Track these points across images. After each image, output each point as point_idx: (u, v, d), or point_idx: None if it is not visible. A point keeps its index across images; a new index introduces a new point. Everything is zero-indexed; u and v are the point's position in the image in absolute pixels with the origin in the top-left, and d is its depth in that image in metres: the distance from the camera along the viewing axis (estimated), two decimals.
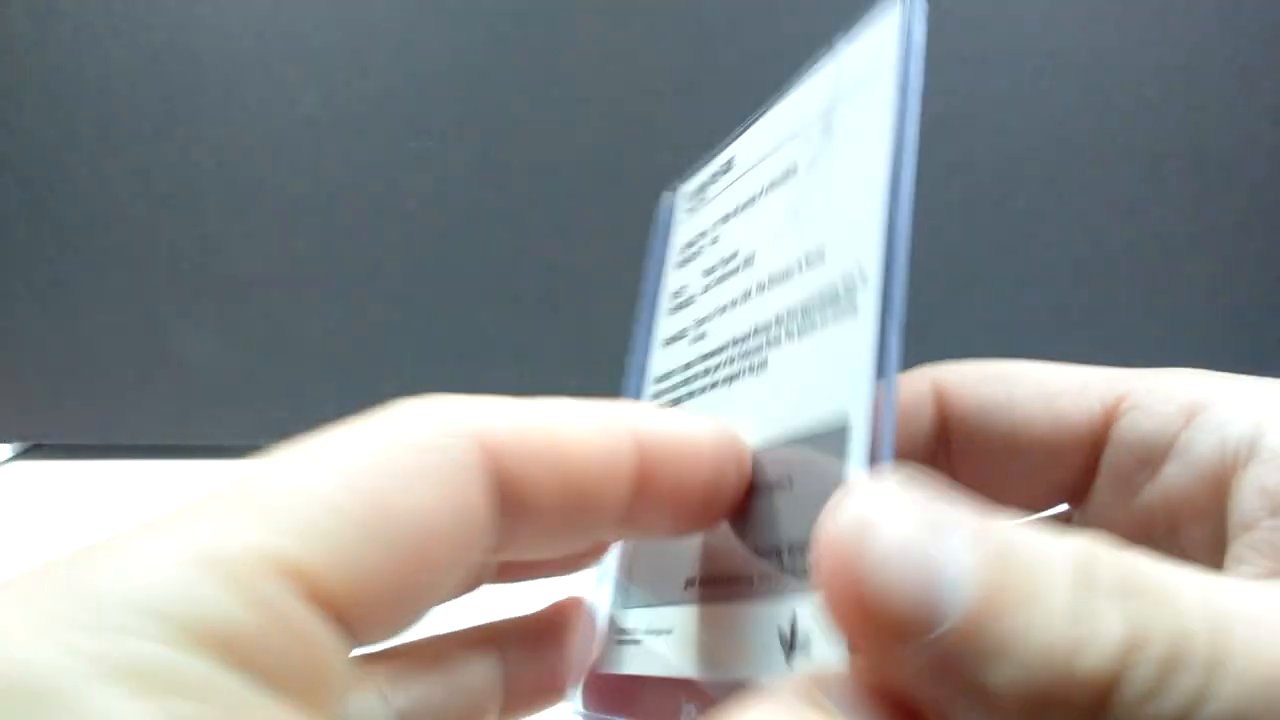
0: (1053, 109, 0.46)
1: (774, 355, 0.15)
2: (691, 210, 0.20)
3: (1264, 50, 0.45)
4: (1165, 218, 0.46)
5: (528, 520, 0.13)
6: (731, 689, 0.13)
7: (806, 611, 0.12)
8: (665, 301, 0.20)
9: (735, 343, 0.16)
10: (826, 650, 0.12)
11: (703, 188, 0.19)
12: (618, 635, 0.17)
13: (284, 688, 0.10)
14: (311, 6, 0.45)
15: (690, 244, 0.19)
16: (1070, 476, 0.16)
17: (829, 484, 0.12)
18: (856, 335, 0.13)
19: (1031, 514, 0.17)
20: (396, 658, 0.15)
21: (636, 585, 0.17)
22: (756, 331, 0.15)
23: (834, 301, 0.14)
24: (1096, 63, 0.45)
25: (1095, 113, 0.46)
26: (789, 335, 0.14)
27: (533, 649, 0.16)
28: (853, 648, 0.11)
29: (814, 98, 0.16)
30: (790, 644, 0.12)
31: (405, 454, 0.12)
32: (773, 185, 0.16)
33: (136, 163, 0.46)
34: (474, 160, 0.46)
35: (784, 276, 0.15)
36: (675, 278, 0.20)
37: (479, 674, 0.16)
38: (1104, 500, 0.16)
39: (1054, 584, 0.10)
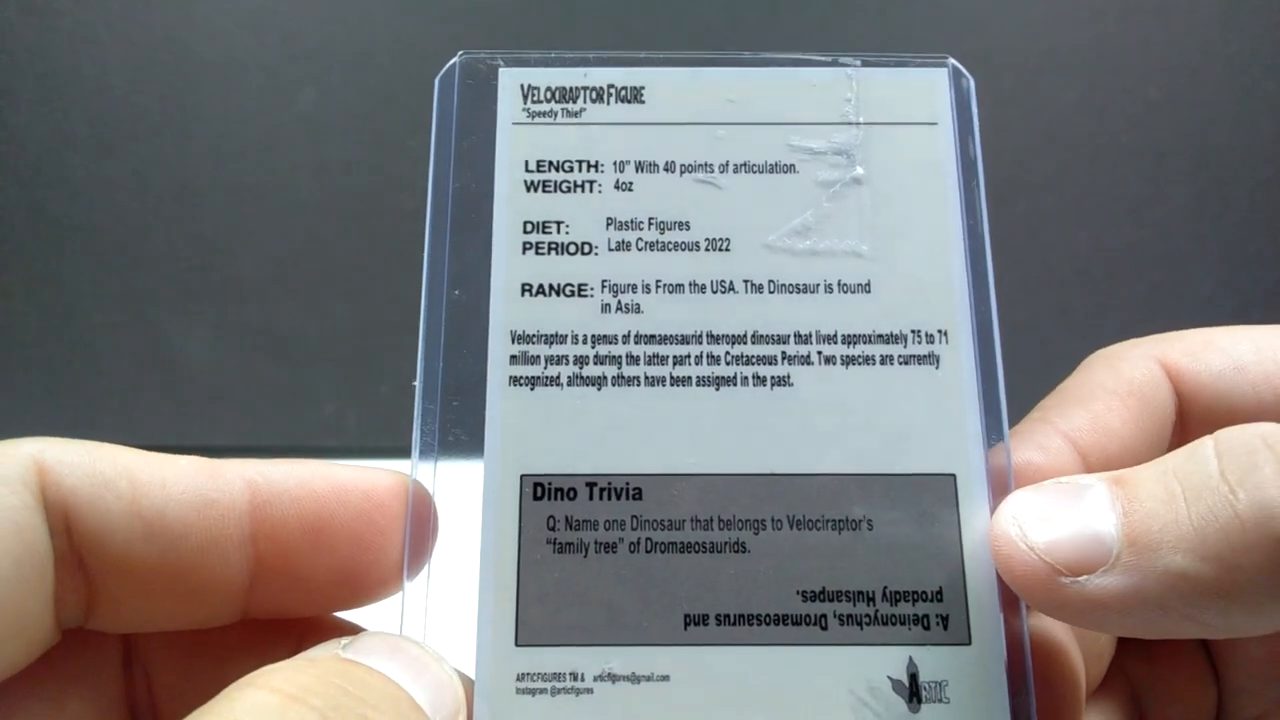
0: (1053, 109, 0.46)
1: (802, 376, 0.14)
2: (548, 117, 0.16)
3: (1265, 50, 0.45)
4: (1167, 218, 0.46)
5: (117, 569, 0.12)
6: None
7: (930, 659, 0.13)
8: (507, 229, 0.16)
9: (716, 340, 0.14)
10: (966, 694, 0.13)
11: (571, 94, 0.16)
12: (530, 683, 0.14)
13: None
14: (309, 4, 0.45)
15: (557, 166, 0.16)
16: None
17: (934, 529, 0.13)
18: (946, 388, 0.14)
19: None
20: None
21: (564, 615, 0.14)
22: (759, 338, 0.14)
23: (896, 342, 0.14)
24: (1097, 62, 0.45)
25: (1095, 113, 0.46)
26: (826, 360, 0.14)
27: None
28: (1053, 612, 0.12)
29: (822, 107, 0.15)
30: (914, 693, 0.13)
31: None
32: (747, 170, 0.15)
33: (133, 161, 0.46)
34: None
35: (799, 289, 0.15)
36: (527, 203, 0.16)
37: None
38: None
39: (1188, 469, 0.11)
